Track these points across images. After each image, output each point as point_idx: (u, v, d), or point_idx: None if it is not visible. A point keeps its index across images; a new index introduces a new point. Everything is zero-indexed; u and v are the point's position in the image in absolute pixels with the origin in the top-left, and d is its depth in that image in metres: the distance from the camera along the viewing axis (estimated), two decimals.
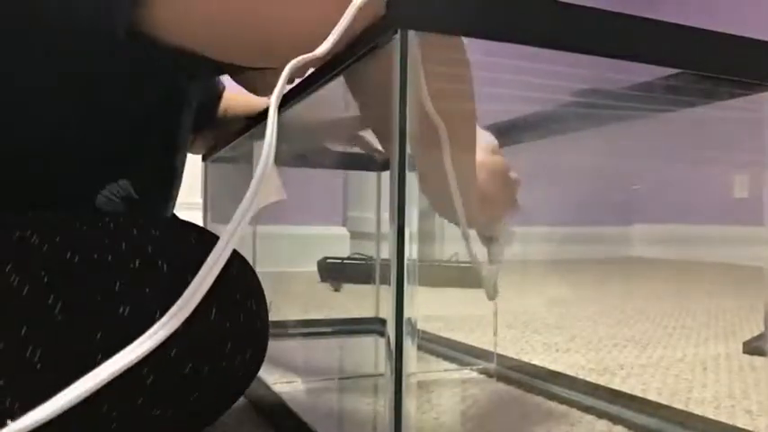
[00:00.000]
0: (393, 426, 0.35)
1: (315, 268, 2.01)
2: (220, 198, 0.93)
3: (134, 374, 0.45)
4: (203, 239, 0.53)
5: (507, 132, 0.76)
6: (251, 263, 0.57)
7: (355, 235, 2.49)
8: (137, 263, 0.48)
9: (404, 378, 0.35)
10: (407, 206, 0.35)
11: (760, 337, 1.09)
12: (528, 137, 0.78)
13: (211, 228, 0.94)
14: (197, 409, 0.51)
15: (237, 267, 0.53)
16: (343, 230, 2.50)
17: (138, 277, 0.47)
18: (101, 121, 0.55)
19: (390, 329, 0.35)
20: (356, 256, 2.14)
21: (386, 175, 0.83)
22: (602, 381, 0.82)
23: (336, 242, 2.38)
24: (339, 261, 2.01)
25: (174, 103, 0.63)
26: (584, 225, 3.32)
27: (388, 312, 0.35)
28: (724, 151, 2.95)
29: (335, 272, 1.95)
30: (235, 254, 0.54)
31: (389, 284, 0.35)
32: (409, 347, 0.35)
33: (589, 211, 3.33)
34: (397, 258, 0.35)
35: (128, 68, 0.52)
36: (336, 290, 1.80)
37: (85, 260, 0.47)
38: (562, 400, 0.74)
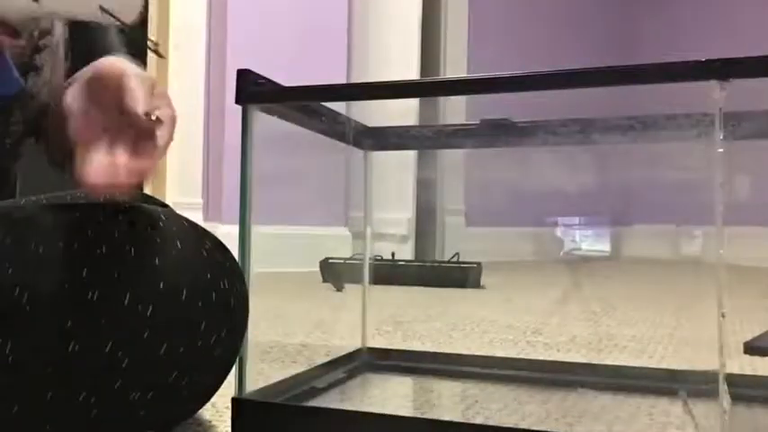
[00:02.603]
0: None
1: (317, 268, 2.02)
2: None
3: (108, 359, 0.46)
4: (170, 222, 0.53)
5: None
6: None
7: (357, 235, 2.49)
8: (103, 249, 0.48)
9: None
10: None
11: (760, 337, 1.09)
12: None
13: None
14: (178, 391, 0.51)
15: (209, 248, 0.53)
16: (344, 231, 2.51)
17: (104, 263, 0.48)
18: None
19: None
20: (358, 256, 2.15)
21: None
22: None
23: (338, 242, 2.38)
24: (341, 261, 2.02)
25: None
26: (584, 225, 3.32)
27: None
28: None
29: (337, 272, 1.95)
30: (207, 235, 0.54)
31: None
32: None
33: (589, 212, 3.33)
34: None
35: None
36: (339, 290, 1.80)
37: (51, 250, 0.47)
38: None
